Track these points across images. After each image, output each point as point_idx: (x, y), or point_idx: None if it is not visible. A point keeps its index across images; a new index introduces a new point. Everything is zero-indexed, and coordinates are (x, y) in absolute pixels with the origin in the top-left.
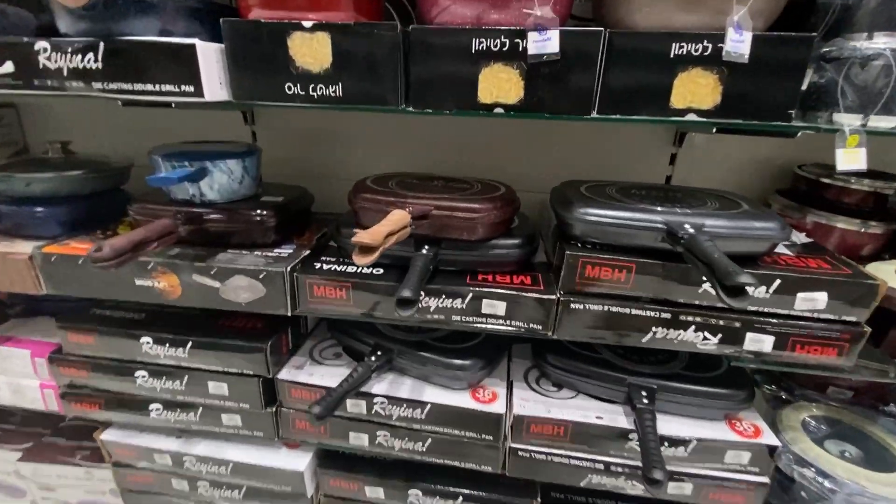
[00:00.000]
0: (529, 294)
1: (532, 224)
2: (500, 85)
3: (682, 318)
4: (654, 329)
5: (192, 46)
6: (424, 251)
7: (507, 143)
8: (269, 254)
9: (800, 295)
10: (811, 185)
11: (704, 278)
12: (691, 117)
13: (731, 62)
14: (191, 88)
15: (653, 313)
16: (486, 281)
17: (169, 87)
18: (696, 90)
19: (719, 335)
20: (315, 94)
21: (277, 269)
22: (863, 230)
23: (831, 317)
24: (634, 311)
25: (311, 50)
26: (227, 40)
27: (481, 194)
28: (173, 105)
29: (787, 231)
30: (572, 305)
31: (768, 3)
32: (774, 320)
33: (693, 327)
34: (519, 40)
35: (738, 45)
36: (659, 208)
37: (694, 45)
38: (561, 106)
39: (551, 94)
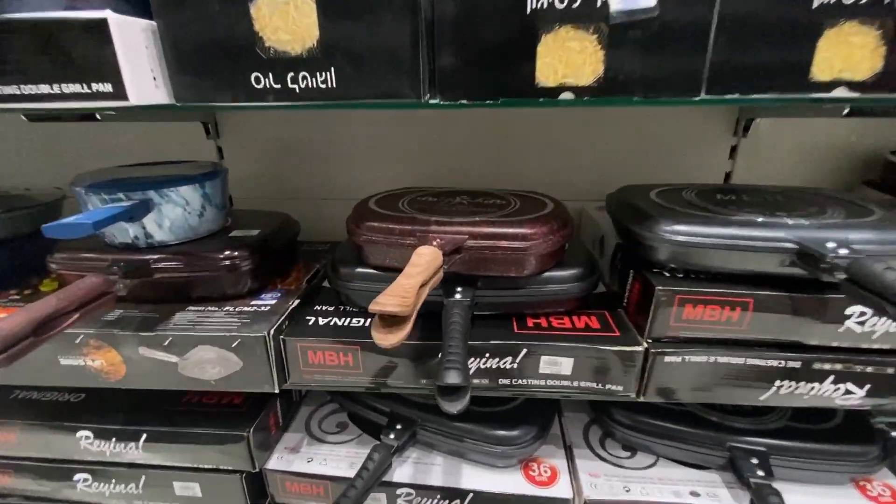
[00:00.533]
0: (606, 346)
1: (584, 246)
2: (568, 58)
3: (817, 366)
4: (777, 383)
5: (103, 23)
6: (458, 296)
7: (528, 139)
8: (245, 308)
9: None
10: None
11: (869, 311)
12: (840, 92)
13: None
14: (107, 88)
15: (777, 362)
16: (540, 327)
17: (75, 89)
18: (848, 54)
19: (867, 386)
20: (296, 87)
21: (256, 334)
22: None
23: None
24: (752, 362)
25: (286, 21)
26: (158, 13)
27: (525, 213)
28: (98, 116)
29: None
30: (667, 359)
31: None
32: None
33: (832, 378)
34: None
35: None
36: (772, 220)
37: None
38: (657, 85)
39: (643, 69)
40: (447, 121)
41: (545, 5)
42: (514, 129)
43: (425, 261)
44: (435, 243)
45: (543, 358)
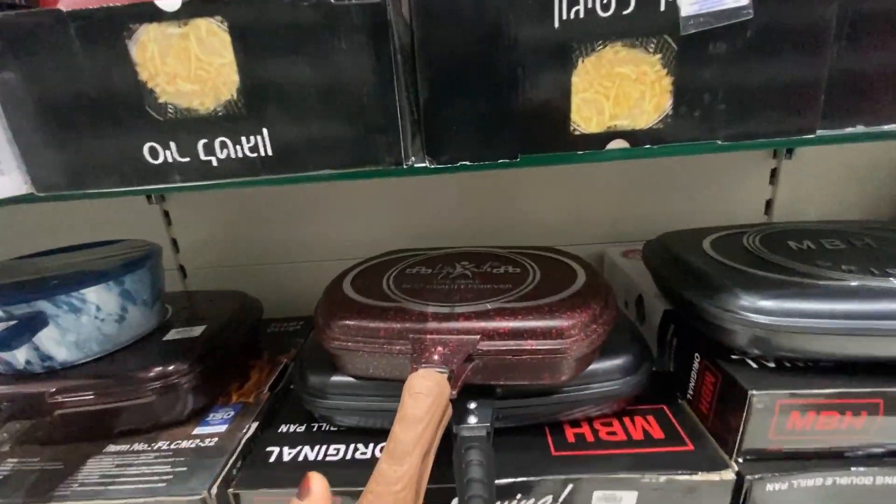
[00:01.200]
0: (682, 473)
1: (626, 317)
2: (619, 90)
3: None
4: None
5: None
6: (474, 419)
7: (529, 175)
8: (184, 443)
9: None
10: None
11: None
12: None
13: None
14: None
15: None
16: (584, 442)
17: None
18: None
19: None
20: (213, 159)
21: (192, 496)
22: None
23: None
24: (885, 481)
25: (187, 64)
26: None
27: (551, 290)
28: None
29: None
30: (769, 486)
31: None
32: None
33: None
34: None
35: None
36: (888, 282)
37: None
38: (753, 121)
39: (731, 99)
40: None
41: (582, 14)
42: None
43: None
44: (437, 356)
45: (596, 494)
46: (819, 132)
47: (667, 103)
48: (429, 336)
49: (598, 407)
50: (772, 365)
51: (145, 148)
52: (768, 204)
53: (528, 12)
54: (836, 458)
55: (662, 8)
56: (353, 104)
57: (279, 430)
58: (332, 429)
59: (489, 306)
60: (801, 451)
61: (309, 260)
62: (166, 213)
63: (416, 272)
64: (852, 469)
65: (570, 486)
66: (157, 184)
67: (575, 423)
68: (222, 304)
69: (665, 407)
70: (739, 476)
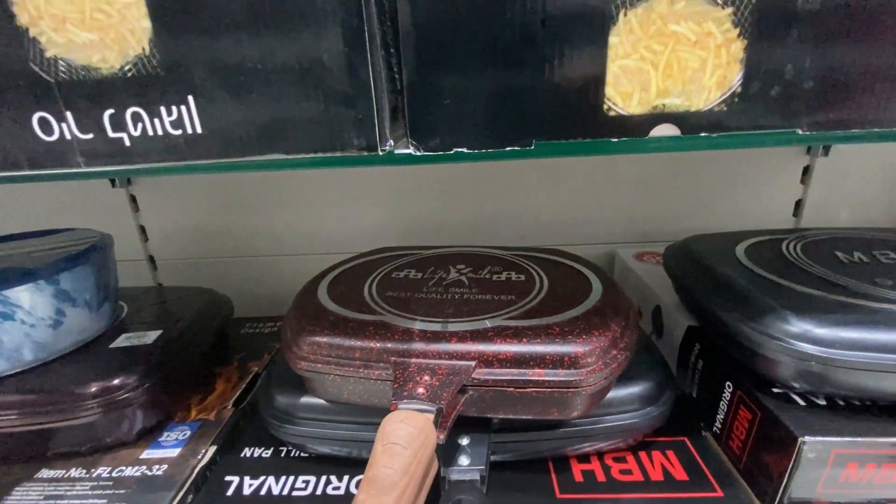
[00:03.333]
0: None
1: (645, 336)
2: (673, 57)
3: None
4: None
5: None
6: (465, 460)
7: (531, 168)
8: (127, 471)
9: None
10: None
11: None
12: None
13: None
14: None
15: None
16: (594, 482)
17: None
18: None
19: None
20: (124, 136)
21: None
22: None
23: None
24: None
25: (80, 2)
26: None
27: (562, 305)
28: None
29: None
30: None
31: None
32: None
33: None
34: None
35: None
36: None
37: None
38: (847, 111)
39: (821, 79)
40: None
41: None
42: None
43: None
44: (422, 388)
45: None
46: None
47: (735, 77)
48: (414, 361)
49: (610, 441)
50: (822, 402)
51: (34, 119)
52: (797, 204)
53: None
54: None
55: None
56: (309, 64)
57: (242, 455)
58: (302, 455)
59: (488, 324)
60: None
61: (292, 253)
62: (133, 199)
63: (405, 276)
64: None
65: None
66: (54, 167)
67: (583, 458)
68: (185, 302)
69: (687, 440)
70: None
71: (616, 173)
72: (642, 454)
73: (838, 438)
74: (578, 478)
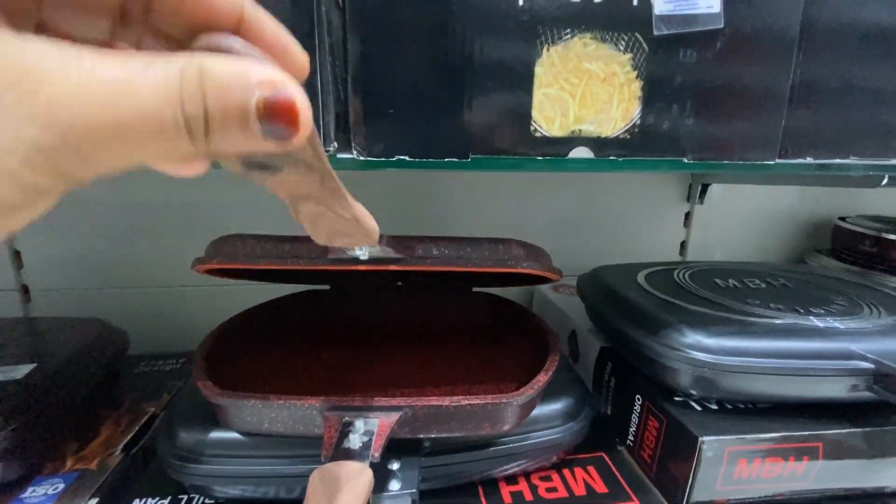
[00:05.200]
0: None
1: (563, 355)
2: (587, 88)
3: None
4: None
5: None
6: (396, 485)
7: (451, 196)
8: None
9: None
10: (872, 243)
11: None
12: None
13: None
14: None
15: None
16: (525, 503)
17: None
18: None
19: None
20: None
21: None
22: None
23: None
24: None
25: None
26: None
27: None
28: None
29: None
30: None
31: None
32: None
33: None
34: None
35: None
36: (824, 324)
37: None
38: (718, 147)
39: (699, 117)
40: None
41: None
42: (434, 185)
43: None
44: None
45: None
46: (778, 160)
47: (635, 111)
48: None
49: (536, 460)
50: (715, 407)
51: None
52: (682, 245)
53: None
54: None
55: (636, 2)
56: None
57: None
58: (206, 501)
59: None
60: (746, 502)
61: (197, 284)
62: None
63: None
64: None
65: None
66: None
67: (511, 480)
68: (69, 334)
69: (604, 454)
70: None
71: (535, 212)
72: (566, 471)
73: (730, 437)
74: (507, 499)
